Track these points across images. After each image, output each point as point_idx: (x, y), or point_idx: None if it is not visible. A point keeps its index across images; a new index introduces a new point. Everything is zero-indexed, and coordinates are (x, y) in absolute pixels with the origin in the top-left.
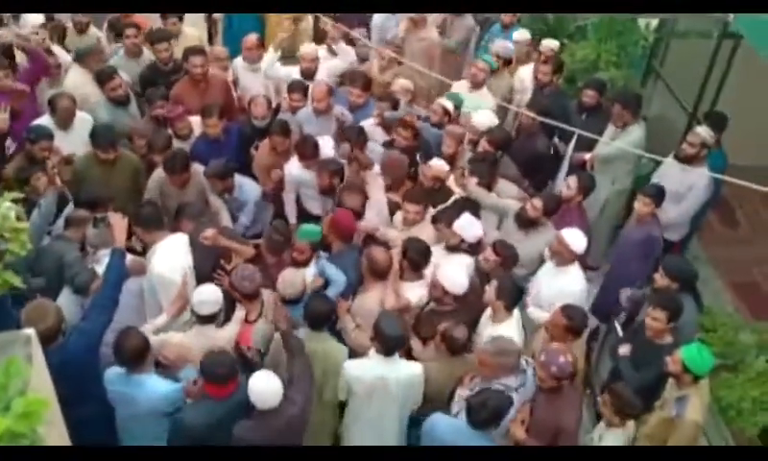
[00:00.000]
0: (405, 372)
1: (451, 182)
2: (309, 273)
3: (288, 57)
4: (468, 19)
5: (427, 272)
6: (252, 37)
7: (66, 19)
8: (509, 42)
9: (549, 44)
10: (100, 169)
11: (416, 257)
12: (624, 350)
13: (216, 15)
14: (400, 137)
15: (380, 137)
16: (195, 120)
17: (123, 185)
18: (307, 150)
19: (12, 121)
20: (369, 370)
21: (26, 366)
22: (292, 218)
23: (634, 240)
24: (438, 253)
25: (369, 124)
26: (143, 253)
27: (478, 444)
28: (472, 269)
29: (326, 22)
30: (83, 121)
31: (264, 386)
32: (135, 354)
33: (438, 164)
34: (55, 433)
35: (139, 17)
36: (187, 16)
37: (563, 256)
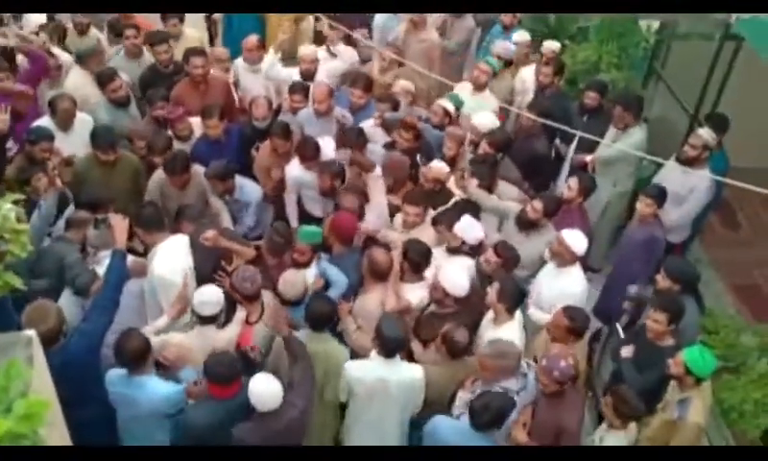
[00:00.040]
0: (406, 374)
1: (452, 184)
2: (310, 274)
3: (288, 58)
4: (469, 21)
5: (428, 274)
6: (252, 39)
7: (66, 20)
8: (510, 43)
9: (550, 46)
10: (100, 170)
11: (416, 259)
12: (627, 351)
13: (216, 16)
14: (402, 139)
15: (381, 138)
16: (195, 121)
17: (123, 187)
18: (308, 151)
19: (14, 122)
20: (369, 371)
21: (27, 367)
22: (293, 220)
23: (636, 241)
24: (439, 255)
25: (369, 125)
26: (144, 254)
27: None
28: (473, 271)
29: (324, 24)
30: (83, 122)
31: (264, 388)
32: (136, 356)
33: (438, 166)
34: (56, 435)
35: (140, 18)
36: (188, 18)
37: (563, 258)
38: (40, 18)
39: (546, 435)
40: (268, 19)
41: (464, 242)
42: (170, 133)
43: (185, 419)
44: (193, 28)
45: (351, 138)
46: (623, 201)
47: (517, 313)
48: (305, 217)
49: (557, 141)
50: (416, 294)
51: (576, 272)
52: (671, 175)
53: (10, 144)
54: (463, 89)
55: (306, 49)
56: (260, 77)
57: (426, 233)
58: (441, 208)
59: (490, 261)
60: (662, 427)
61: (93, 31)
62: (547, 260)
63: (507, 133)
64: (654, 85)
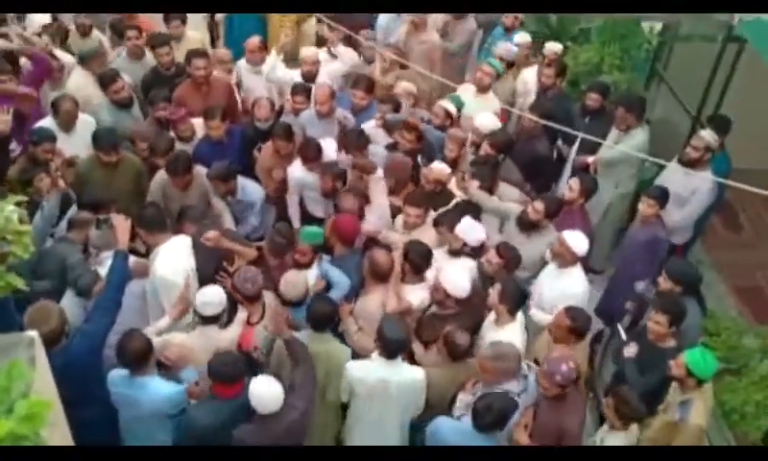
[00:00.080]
0: (407, 376)
1: (452, 186)
2: (311, 275)
3: (291, 60)
4: (470, 23)
5: (429, 275)
6: (254, 40)
7: (69, 22)
8: (511, 45)
9: (552, 47)
10: (102, 172)
11: (417, 260)
12: (630, 351)
13: (218, 18)
14: (404, 140)
15: (382, 140)
16: (198, 122)
17: (125, 188)
18: (310, 153)
19: (18, 124)
20: (371, 372)
21: (29, 368)
22: (295, 221)
23: (639, 241)
24: (440, 256)
25: (370, 126)
26: (146, 254)
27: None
28: (475, 272)
29: (323, 27)
30: (85, 123)
31: (264, 391)
32: (138, 356)
33: (439, 167)
34: (58, 435)
35: (142, 20)
36: (189, 20)
37: (564, 258)
38: (44, 19)
39: (548, 437)
40: (270, 20)
41: (465, 244)
42: (172, 134)
43: (187, 418)
44: (195, 30)
45: (352, 140)
46: (625, 202)
47: (519, 314)
48: (307, 218)
49: (559, 143)
50: (417, 295)
51: (577, 272)
52: (673, 176)
53: (13, 146)
54: (466, 91)
55: (307, 51)
56: (263, 78)
57: (427, 235)
58: (442, 210)
59: (491, 262)
60: (664, 429)
61: (95, 32)
62: (548, 261)
63: (508, 134)
64: (656, 87)
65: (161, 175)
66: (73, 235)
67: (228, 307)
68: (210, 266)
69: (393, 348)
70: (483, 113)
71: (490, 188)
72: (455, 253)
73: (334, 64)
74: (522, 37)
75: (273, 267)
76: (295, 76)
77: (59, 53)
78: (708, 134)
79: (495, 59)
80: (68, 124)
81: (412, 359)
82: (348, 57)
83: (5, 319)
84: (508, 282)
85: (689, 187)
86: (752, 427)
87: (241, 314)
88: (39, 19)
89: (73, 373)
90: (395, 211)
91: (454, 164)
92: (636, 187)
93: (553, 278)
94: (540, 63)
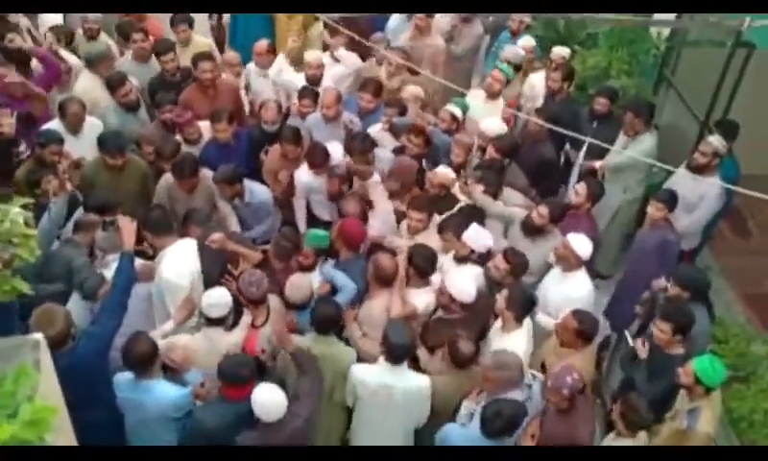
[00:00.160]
0: (412, 383)
1: (456, 190)
2: (315, 279)
3: (297, 63)
4: (477, 27)
5: (435, 279)
6: (263, 43)
7: (76, 25)
8: (518, 48)
9: (560, 52)
10: (108, 174)
11: (422, 264)
12: (642, 353)
13: (223, 22)
14: (412, 144)
15: (389, 143)
16: (204, 125)
17: (131, 190)
18: (317, 158)
19: (28, 125)
20: (375, 376)
21: (34, 371)
22: (302, 225)
23: (648, 245)
24: (447, 263)
25: (376, 130)
26: (154, 257)
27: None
28: (482, 279)
29: (323, 32)
30: (92, 126)
31: (267, 399)
32: (144, 360)
33: (444, 172)
34: (62, 441)
35: (150, 24)
36: (195, 26)
37: (568, 262)
38: (56, 19)
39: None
40: (277, 23)
41: (473, 251)
42: (179, 137)
43: (194, 419)
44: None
45: (358, 144)
46: (633, 208)
47: (527, 320)
48: (313, 221)
49: (567, 147)
50: (422, 299)
51: (581, 276)
52: (681, 182)
53: (22, 147)
54: (476, 97)
55: (312, 54)
56: (270, 81)
57: (432, 239)
58: (446, 214)
59: (498, 268)
60: (672, 437)
61: (103, 35)
62: (553, 264)
63: (514, 138)
64: (664, 92)
65: (167, 177)
66: (79, 238)
67: (233, 310)
68: (216, 269)
69: (398, 353)
70: (489, 117)
71: (494, 193)
72: (462, 259)
73: (337, 68)
74: (527, 41)
75: (278, 270)
76: (301, 79)
77: (65, 54)
78: (716, 140)
79: (503, 62)
80: (75, 126)
81: (416, 365)
82: (350, 61)
83: (8, 323)
84: (515, 288)
85: (697, 193)
86: (760, 435)
87: (246, 317)
88: (52, 19)
89: (79, 375)
90: (400, 216)
91: (460, 169)
92: (645, 192)
93: (557, 281)
94: (547, 68)
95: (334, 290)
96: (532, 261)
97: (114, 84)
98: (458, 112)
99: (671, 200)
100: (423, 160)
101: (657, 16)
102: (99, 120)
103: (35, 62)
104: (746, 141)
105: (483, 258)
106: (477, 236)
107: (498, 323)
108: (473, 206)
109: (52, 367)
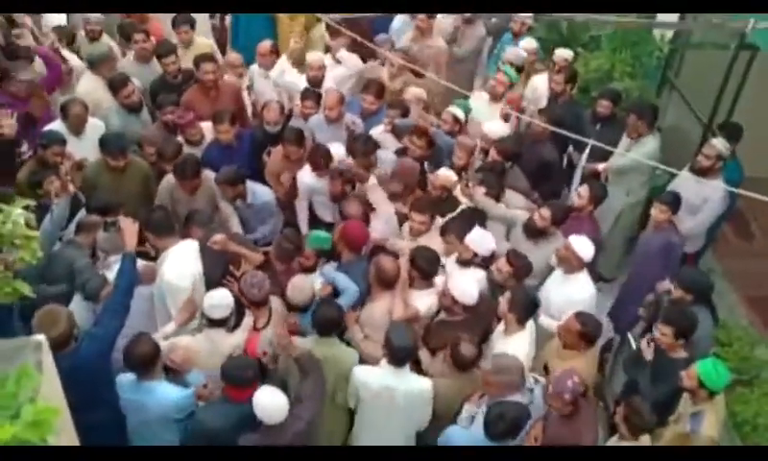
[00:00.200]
0: (414, 385)
1: (458, 192)
2: (315, 280)
3: (299, 65)
4: (480, 29)
5: (438, 281)
6: (266, 44)
7: (78, 27)
8: (520, 50)
9: (562, 54)
10: (110, 176)
11: (424, 265)
12: (648, 353)
13: (225, 24)
14: (415, 146)
15: (391, 145)
16: (207, 126)
17: (133, 192)
18: (320, 160)
19: (27, 125)
20: (377, 378)
21: (36, 373)
22: (304, 227)
23: (652, 247)
24: (450, 266)
25: (379, 131)
26: (156, 258)
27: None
28: (485, 283)
29: (325, 34)
30: (95, 127)
31: (268, 402)
32: (145, 361)
33: (445, 174)
34: (65, 441)
35: (152, 25)
36: (197, 27)
37: (570, 263)
38: (60, 19)
39: None
40: (279, 25)
41: (476, 254)
42: (180, 138)
43: (196, 420)
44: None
45: (360, 145)
46: (636, 210)
47: (530, 323)
48: (316, 222)
49: (570, 149)
50: (424, 301)
51: (583, 278)
52: (685, 184)
53: (24, 147)
54: (479, 99)
55: (313, 56)
56: (272, 82)
57: (434, 241)
58: (448, 216)
59: (501, 270)
60: (675, 441)
61: (104, 37)
62: (554, 266)
63: (517, 141)
64: (667, 95)
65: (169, 178)
66: (81, 239)
67: (235, 312)
68: (217, 270)
69: (400, 355)
70: (492, 120)
71: (496, 195)
72: (465, 263)
73: (339, 69)
74: (528, 43)
75: (279, 272)
76: (303, 81)
77: (67, 54)
78: (719, 143)
79: (505, 64)
80: (78, 127)
81: (418, 366)
82: (351, 62)
83: (8, 325)
84: (518, 291)
85: (701, 195)
86: (764, 439)
87: (248, 319)
88: (55, 20)
89: (81, 376)
90: (402, 218)
91: (462, 171)
92: (647, 195)
93: (559, 283)
94: (550, 70)
95: (336, 292)
96: (534, 264)
97: (117, 85)
98: (460, 114)
99: (675, 202)
100: (425, 162)
101: (660, 18)
102: (101, 121)
103: (38, 62)
104: (749, 144)
105: (486, 262)
106: (480, 240)
107: (501, 326)
108: (475, 208)
109: (54, 368)
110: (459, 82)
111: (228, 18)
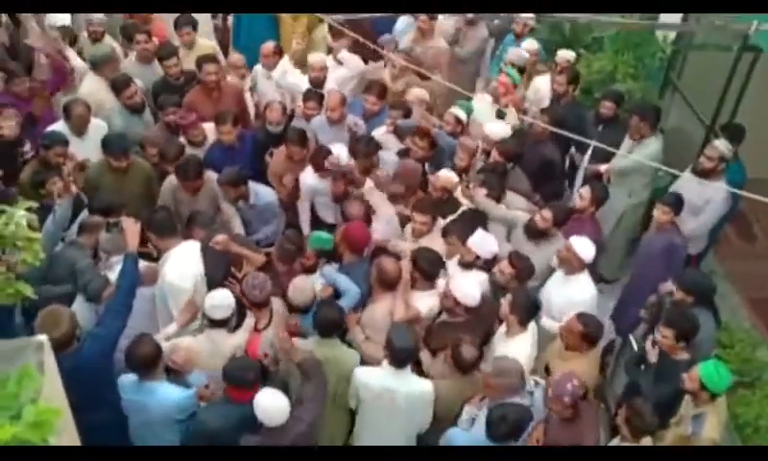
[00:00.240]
0: (416, 387)
1: (459, 194)
2: (315, 280)
3: (301, 65)
4: (482, 30)
5: (440, 282)
6: (269, 45)
7: (81, 27)
8: (522, 51)
9: (564, 55)
10: (112, 177)
11: (427, 267)
12: (653, 356)
13: (227, 25)
14: (417, 147)
15: (393, 146)
16: (209, 127)
17: (135, 192)
18: (322, 160)
19: (30, 125)
20: (378, 379)
21: (37, 373)
22: (306, 227)
23: (655, 249)
24: (452, 268)
25: (381, 132)
26: (158, 259)
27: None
28: (487, 285)
29: (326, 36)
30: (97, 128)
31: (270, 404)
32: (147, 362)
33: (446, 175)
34: (66, 441)
35: (154, 26)
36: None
37: (571, 264)
38: (64, 19)
39: None
40: (281, 26)
41: (478, 257)
42: (182, 139)
43: (197, 421)
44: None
45: (362, 146)
46: (638, 212)
47: (531, 325)
48: (318, 223)
49: (572, 151)
50: (425, 303)
51: (584, 279)
52: (687, 186)
53: (27, 147)
54: (482, 101)
55: (315, 57)
56: (274, 83)
57: (436, 243)
58: (449, 218)
59: (504, 272)
60: (676, 442)
61: (107, 38)
62: (555, 268)
63: (518, 142)
64: (670, 96)
65: (172, 179)
66: (83, 239)
67: (236, 312)
68: (219, 271)
69: (402, 356)
70: (493, 121)
71: (497, 197)
72: (467, 265)
73: (341, 70)
74: (530, 44)
75: (281, 273)
76: (305, 82)
77: (70, 54)
78: (721, 144)
79: (507, 64)
80: (80, 128)
81: (419, 367)
82: (353, 63)
83: (9, 326)
84: (519, 293)
85: (703, 197)
86: (765, 441)
87: (249, 320)
88: (60, 20)
89: (84, 376)
90: (404, 220)
91: (463, 173)
92: (650, 197)
93: (560, 285)
94: (552, 71)
95: (337, 293)
96: (535, 265)
97: (119, 85)
98: (462, 116)
99: (677, 203)
100: (427, 164)
101: (663, 19)
102: (104, 122)
103: (43, 60)
104: (752, 145)
105: (488, 264)
106: (482, 242)
107: (503, 327)
108: (476, 209)
109: (56, 369)
110: (461, 83)
111: (231, 19)
